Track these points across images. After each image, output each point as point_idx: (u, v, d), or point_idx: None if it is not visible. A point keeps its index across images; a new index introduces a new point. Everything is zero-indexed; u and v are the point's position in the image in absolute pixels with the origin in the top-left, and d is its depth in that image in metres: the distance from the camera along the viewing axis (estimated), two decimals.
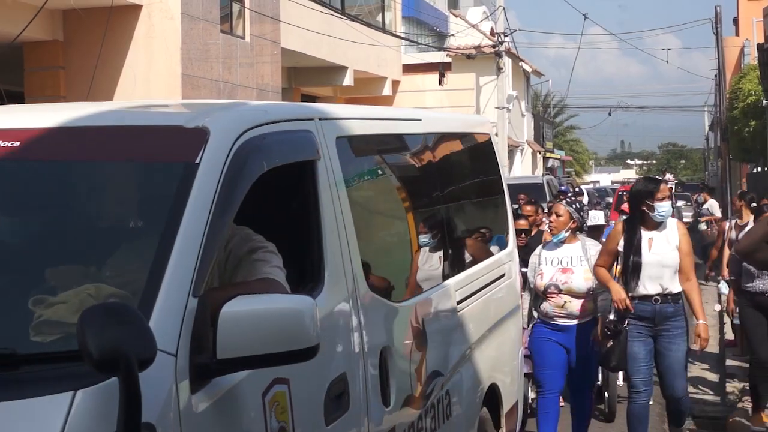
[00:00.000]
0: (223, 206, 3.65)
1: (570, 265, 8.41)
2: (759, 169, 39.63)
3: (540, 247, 8.79)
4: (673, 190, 33.18)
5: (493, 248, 7.35)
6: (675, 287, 8.15)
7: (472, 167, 7.60)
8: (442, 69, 34.13)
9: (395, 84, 35.20)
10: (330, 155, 4.55)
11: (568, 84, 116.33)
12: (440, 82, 34.14)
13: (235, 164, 3.78)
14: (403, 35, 33.84)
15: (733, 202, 14.86)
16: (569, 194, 20.66)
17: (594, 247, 8.55)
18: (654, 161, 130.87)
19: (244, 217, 3.98)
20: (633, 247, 8.05)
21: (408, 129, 6.16)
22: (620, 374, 10.19)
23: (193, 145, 3.75)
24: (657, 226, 8.13)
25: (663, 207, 8.06)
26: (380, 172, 5.78)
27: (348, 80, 29.48)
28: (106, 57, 17.18)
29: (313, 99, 32.90)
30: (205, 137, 3.78)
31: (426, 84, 35.87)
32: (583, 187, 25.95)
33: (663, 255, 8.07)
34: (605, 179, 75.05)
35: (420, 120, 6.36)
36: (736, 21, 52.94)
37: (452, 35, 38.51)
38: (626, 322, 8.10)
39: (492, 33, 37.64)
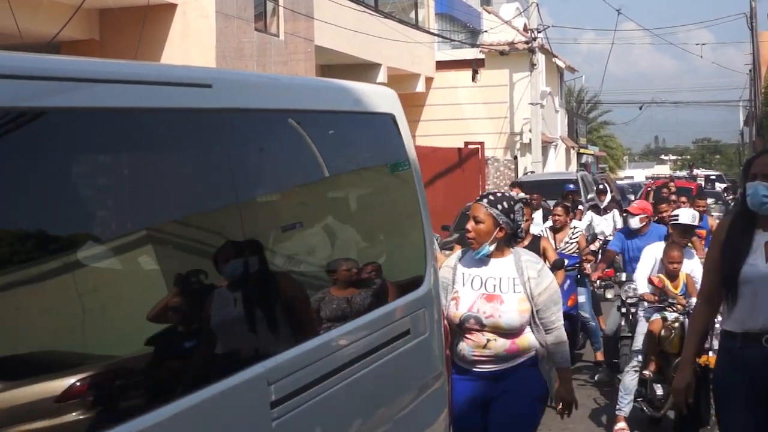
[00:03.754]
0: None
1: (498, 291, 5.67)
2: None
3: (456, 256, 5.99)
4: (703, 186, 32.86)
5: (392, 292, 4.96)
6: None
7: (339, 166, 4.83)
8: (475, 65, 34.10)
9: (428, 81, 35.23)
10: None
11: (602, 79, 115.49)
12: (473, 79, 34.13)
13: None
14: (436, 32, 33.82)
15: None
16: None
17: (534, 265, 5.75)
18: (688, 156, 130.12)
19: None
20: (736, 252, 5.16)
21: (165, 101, 3.43)
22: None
23: None
24: None
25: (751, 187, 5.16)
26: (59, 179, 2.98)
27: (381, 77, 29.53)
28: (142, 56, 17.30)
29: None
30: None
31: (459, 81, 35.90)
32: (607, 184, 24.74)
33: None
34: (639, 175, 74.62)
35: (209, 87, 3.66)
36: None
37: (485, 32, 38.48)
38: (700, 363, 5.86)
39: (525, 29, 37.58)
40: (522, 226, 5.76)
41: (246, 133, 3.89)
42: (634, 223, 11.03)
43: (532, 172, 32.70)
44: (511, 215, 5.65)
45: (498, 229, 5.64)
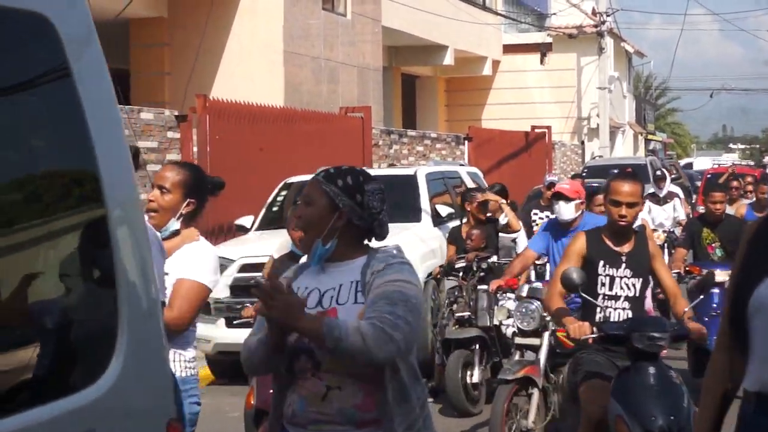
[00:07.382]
0: None
1: (335, 303, 3.55)
2: None
3: (294, 268, 3.83)
4: None
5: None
6: None
7: None
8: (543, 48, 33.77)
9: (495, 64, 34.93)
10: None
11: (671, 65, 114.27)
12: (542, 62, 33.77)
13: None
14: (503, 14, 33.53)
15: None
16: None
17: (387, 258, 3.56)
18: (757, 145, 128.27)
19: None
20: (751, 268, 3.08)
21: None
22: None
23: None
24: None
25: None
26: None
27: (448, 59, 29.31)
28: (210, 33, 17.26)
29: (413, 78, 32.82)
30: None
31: (527, 64, 35.56)
32: (675, 170, 22.42)
33: None
34: (706, 163, 73.62)
35: None
36: None
37: (553, 14, 38.06)
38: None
39: (593, 13, 37.07)
40: (382, 217, 3.62)
41: None
42: (567, 212, 8.01)
43: (599, 156, 32.36)
44: (358, 196, 3.54)
45: (336, 215, 3.53)
